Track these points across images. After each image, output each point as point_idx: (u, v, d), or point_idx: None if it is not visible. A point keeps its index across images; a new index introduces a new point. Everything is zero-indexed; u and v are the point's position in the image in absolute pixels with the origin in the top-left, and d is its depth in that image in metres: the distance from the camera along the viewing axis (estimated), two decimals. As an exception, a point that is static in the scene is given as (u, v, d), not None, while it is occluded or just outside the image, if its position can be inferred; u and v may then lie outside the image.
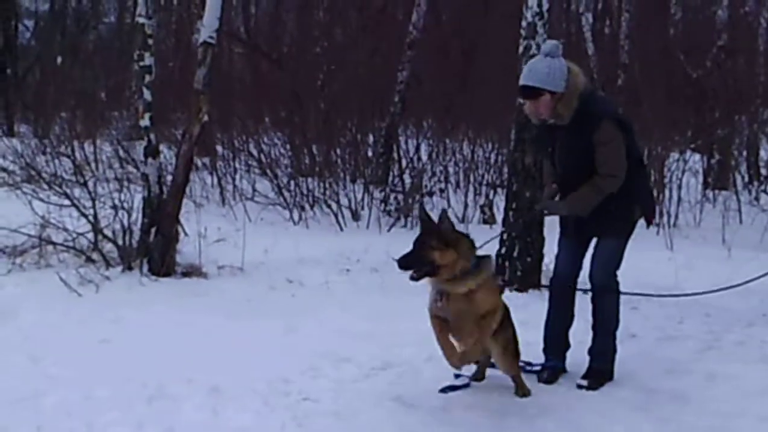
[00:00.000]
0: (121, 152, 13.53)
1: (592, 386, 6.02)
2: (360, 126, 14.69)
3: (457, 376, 5.90)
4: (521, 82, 5.91)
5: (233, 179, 14.77)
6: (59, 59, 25.09)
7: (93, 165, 14.80)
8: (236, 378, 6.04)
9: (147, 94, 9.26)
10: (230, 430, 5.29)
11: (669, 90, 18.58)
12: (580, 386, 6.03)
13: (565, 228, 6.25)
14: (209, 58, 8.93)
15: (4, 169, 10.35)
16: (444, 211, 5.43)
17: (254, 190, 14.06)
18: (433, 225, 5.36)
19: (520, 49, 8.91)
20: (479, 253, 5.57)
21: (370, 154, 14.69)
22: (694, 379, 6.29)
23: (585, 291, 6.19)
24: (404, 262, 5.34)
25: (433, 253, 5.26)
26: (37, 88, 26.62)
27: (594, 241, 6.18)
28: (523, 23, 8.98)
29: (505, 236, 8.75)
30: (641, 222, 6.24)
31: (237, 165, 15.22)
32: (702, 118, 17.80)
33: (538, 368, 6.23)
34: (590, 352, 6.20)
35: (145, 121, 9.25)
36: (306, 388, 6.00)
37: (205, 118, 8.98)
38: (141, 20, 9.37)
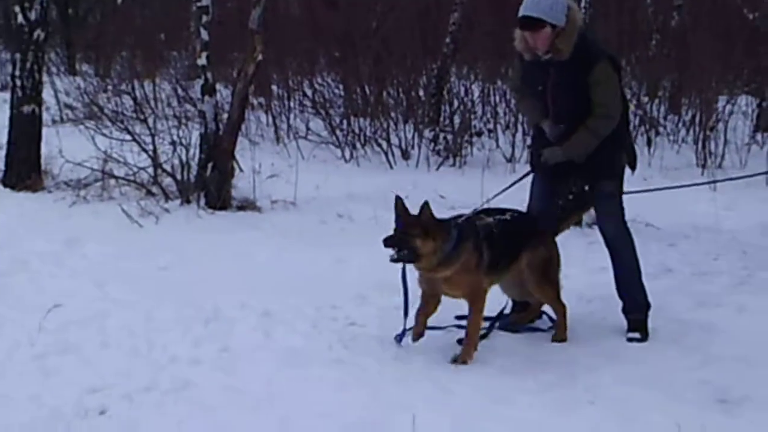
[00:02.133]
0: (179, 91, 13.91)
1: (644, 338, 6.01)
2: (412, 67, 14.87)
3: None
4: (523, 12, 5.74)
5: (287, 118, 15.07)
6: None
7: (152, 103, 15.18)
8: (287, 303, 6.43)
9: (204, 34, 9.55)
10: (281, 350, 5.64)
11: (723, 32, 18.49)
12: (631, 339, 6.00)
13: (541, 168, 6.18)
14: (264, -1, 9.23)
15: (69, 106, 10.73)
16: (425, 203, 5.58)
17: (308, 128, 14.37)
18: (412, 216, 5.52)
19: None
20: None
21: (421, 94, 14.87)
22: (725, 312, 6.52)
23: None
24: (390, 242, 5.50)
25: (415, 241, 5.45)
26: (98, 27, 26.94)
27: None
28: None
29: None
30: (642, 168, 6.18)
31: (291, 104, 15.50)
32: (756, 61, 17.72)
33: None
34: (623, 306, 6.15)
35: (202, 60, 9.57)
36: (353, 314, 6.39)
37: (260, 57, 9.29)
38: (198, -39, 9.64)
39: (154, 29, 23.82)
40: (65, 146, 10.12)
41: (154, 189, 9.55)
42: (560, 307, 6.03)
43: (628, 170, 6.16)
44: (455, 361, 5.56)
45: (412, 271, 5.76)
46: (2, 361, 5.30)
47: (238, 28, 14.84)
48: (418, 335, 5.77)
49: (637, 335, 6.03)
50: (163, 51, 20.89)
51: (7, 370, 5.16)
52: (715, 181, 7.68)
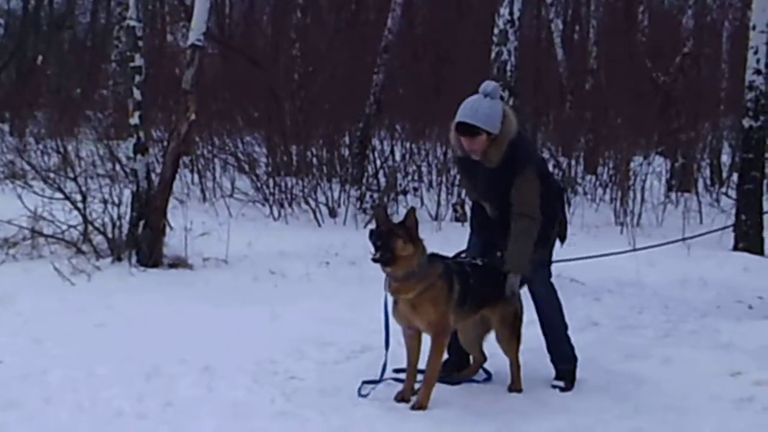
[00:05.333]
0: (101, 151, 13.91)
1: (568, 387, 6.26)
2: (335, 127, 15.10)
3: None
4: (461, 119, 5.96)
5: (213, 177, 15.16)
6: (40, 58, 25.30)
7: (78, 161, 15.12)
8: (226, 359, 6.46)
9: (137, 94, 9.66)
10: (224, 404, 5.68)
11: (636, 95, 19.12)
12: (555, 386, 6.26)
13: (477, 230, 6.48)
14: (197, 60, 9.37)
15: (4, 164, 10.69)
16: (412, 209, 5.80)
17: (233, 187, 14.47)
18: (397, 222, 5.74)
19: (492, 54, 9.39)
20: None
21: (345, 153, 15.09)
22: (652, 363, 6.78)
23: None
24: (376, 235, 5.68)
25: (397, 241, 5.62)
26: (13, 86, 26.75)
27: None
28: (495, 30, 9.44)
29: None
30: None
31: (216, 163, 15.60)
32: (667, 123, 18.33)
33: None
34: (551, 358, 6.42)
35: (134, 120, 9.65)
36: (292, 368, 6.45)
37: (193, 116, 9.42)
38: (131, 23, 9.75)
39: (70, 88, 23.77)
40: (-5, 204, 10.14)
41: (84, 247, 9.55)
42: (518, 360, 6.22)
43: None
44: (413, 407, 5.74)
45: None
46: (-55, 417, 5.27)
47: (156, 88, 15.02)
48: (411, 390, 5.92)
49: (561, 384, 6.28)
50: (80, 110, 20.84)
51: (-48, 426, 5.14)
52: (636, 249, 7.95)
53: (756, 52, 11.78)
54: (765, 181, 12.16)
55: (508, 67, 9.53)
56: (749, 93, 11.84)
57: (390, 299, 5.93)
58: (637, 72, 20.43)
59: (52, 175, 10.48)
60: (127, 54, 9.86)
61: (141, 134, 9.65)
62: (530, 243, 6.04)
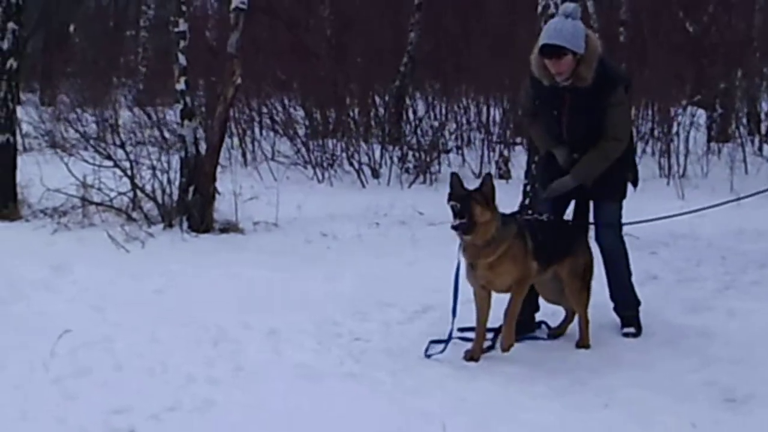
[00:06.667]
0: (140, 118, 13.92)
1: (638, 332, 6.31)
2: (371, 87, 15.01)
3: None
4: (546, 41, 5.91)
5: (253, 141, 15.14)
6: (72, 27, 25.28)
7: (120, 129, 15.11)
8: (288, 322, 6.48)
9: (182, 59, 9.62)
10: (294, 367, 5.68)
11: (669, 46, 18.86)
12: (626, 334, 6.30)
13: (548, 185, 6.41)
14: (241, 23, 9.31)
15: (41, 134, 10.71)
16: (489, 174, 5.78)
17: (274, 150, 14.47)
18: (474, 189, 5.67)
19: (539, 8, 9.26)
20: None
21: (382, 113, 15.01)
22: (716, 316, 6.72)
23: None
24: (454, 199, 5.62)
25: (476, 207, 5.58)
26: (41, 56, 26.72)
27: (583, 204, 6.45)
28: (544, -17, 9.32)
29: (528, 188, 9.15)
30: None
31: (254, 127, 15.59)
32: (702, 73, 18.10)
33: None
34: (615, 307, 6.44)
35: (180, 85, 9.64)
36: (355, 329, 6.46)
37: (239, 80, 9.38)
38: (176, -13, 9.72)
39: (98, 57, 23.74)
40: (34, 175, 10.13)
41: (135, 214, 9.56)
42: (587, 315, 6.19)
43: None
44: (502, 348, 5.83)
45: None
46: (22, 385, 5.26)
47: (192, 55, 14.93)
48: (480, 349, 5.93)
49: (632, 330, 6.32)
50: (108, 78, 20.85)
51: (29, 394, 5.12)
52: (693, 211, 7.70)
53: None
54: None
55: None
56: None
57: (464, 263, 5.87)
58: (671, 22, 20.12)
59: (102, 144, 10.46)
60: (171, 19, 9.81)
61: (187, 99, 9.64)
62: (605, 162, 6.10)
